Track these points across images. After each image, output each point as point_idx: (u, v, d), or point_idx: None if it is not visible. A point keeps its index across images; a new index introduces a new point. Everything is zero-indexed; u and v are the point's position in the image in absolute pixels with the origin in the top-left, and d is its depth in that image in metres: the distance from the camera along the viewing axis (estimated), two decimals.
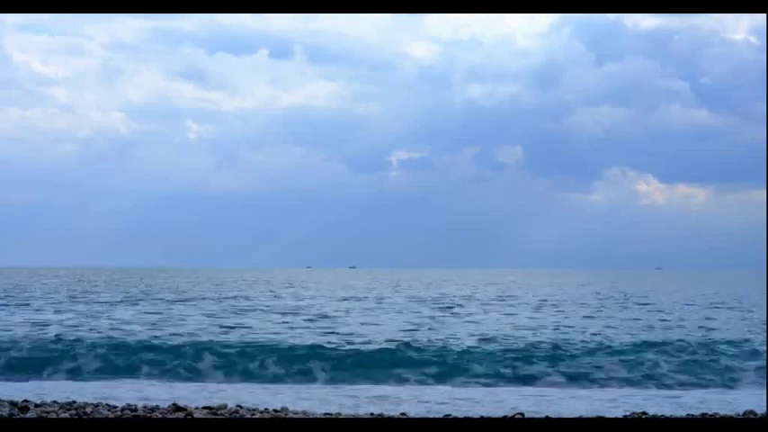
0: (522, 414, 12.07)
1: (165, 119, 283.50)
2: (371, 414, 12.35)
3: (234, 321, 27.55)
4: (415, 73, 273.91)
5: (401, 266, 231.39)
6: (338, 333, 23.85)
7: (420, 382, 17.87)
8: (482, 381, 18.05)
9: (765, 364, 18.83)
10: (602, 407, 14.35)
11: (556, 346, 20.69)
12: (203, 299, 41.90)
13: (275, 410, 12.22)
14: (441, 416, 12.20)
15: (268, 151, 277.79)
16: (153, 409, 11.76)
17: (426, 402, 14.72)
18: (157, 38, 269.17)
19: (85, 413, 11.25)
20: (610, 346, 20.86)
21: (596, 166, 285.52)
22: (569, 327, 26.80)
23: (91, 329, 23.91)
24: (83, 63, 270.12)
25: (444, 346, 20.56)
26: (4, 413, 11.05)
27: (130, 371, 18.50)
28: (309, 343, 20.88)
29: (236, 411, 11.73)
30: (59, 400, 12.49)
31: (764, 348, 20.30)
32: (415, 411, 13.13)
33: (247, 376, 18.38)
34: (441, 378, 18.17)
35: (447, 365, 18.89)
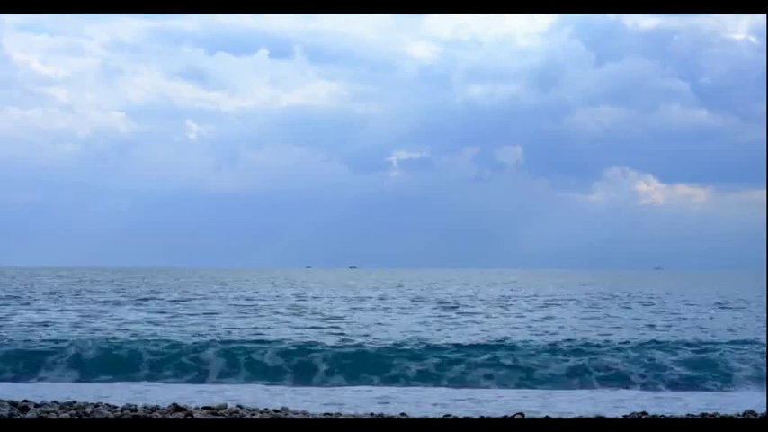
0: (522, 414, 12.07)
1: (165, 119, 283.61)
2: (371, 414, 12.35)
3: (234, 321, 27.56)
4: (415, 73, 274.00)
5: (401, 266, 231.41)
6: (339, 333, 23.85)
7: (420, 382, 17.88)
8: (482, 381, 18.07)
9: (765, 364, 18.83)
10: (603, 407, 14.36)
11: (556, 346, 20.69)
12: (205, 298, 41.92)
13: (275, 410, 12.22)
14: (441, 416, 12.21)
15: (268, 151, 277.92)
16: (153, 409, 11.77)
17: (426, 402, 14.73)
18: (157, 38, 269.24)
19: (85, 413, 11.25)
20: (610, 346, 20.83)
21: (596, 166, 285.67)
22: (570, 326, 26.81)
23: (92, 329, 23.94)
24: (83, 63, 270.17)
25: (445, 346, 20.55)
26: (4, 413, 11.05)
27: (131, 371, 18.51)
28: (310, 343, 20.88)
29: (236, 411, 11.73)
30: (59, 400, 12.50)
31: (765, 348, 20.29)
32: (415, 411, 13.13)
33: (248, 376, 18.38)
34: (441, 378, 18.18)
35: (447, 365, 18.88)
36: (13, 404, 11.63)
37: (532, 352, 19.96)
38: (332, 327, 26.01)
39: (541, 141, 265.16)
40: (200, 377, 18.32)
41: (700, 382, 18.08)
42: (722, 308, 38.78)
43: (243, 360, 19.14)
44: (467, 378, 18.23)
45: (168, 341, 20.61)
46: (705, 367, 18.97)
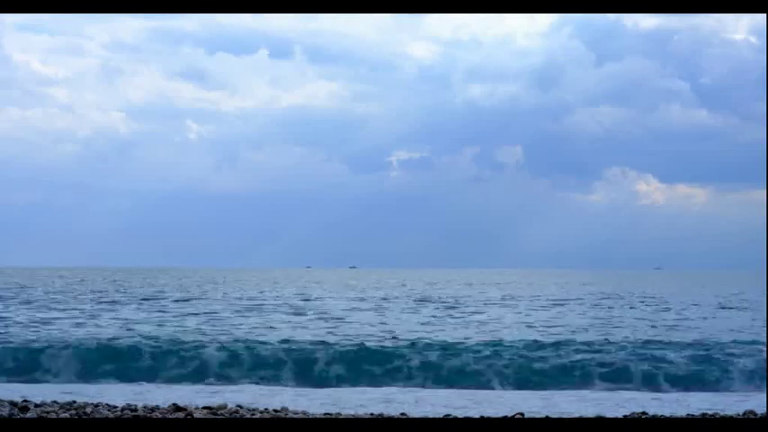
0: (522, 414, 12.07)
1: (165, 119, 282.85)
2: (372, 414, 12.35)
3: (235, 321, 27.57)
4: (415, 73, 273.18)
5: (401, 266, 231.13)
6: (340, 333, 23.85)
7: (421, 382, 17.89)
8: (483, 381, 18.07)
9: (765, 364, 18.81)
10: (603, 407, 14.36)
11: (557, 346, 20.67)
12: (205, 298, 41.94)
13: (275, 410, 12.22)
14: (441, 416, 12.20)
15: (268, 151, 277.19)
16: (153, 409, 11.77)
17: (426, 402, 14.73)
18: (157, 38, 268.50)
19: (85, 413, 11.25)
20: (610, 346, 20.82)
21: (596, 166, 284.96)
22: (571, 326, 26.81)
23: (93, 329, 23.94)
24: (83, 63, 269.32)
25: (445, 346, 20.53)
26: (4, 413, 11.05)
27: (131, 371, 18.50)
28: (310, 343, 20.87)
29: (236, 411, 11.73)
30: (59, 400, 12.48)
31: (765, 348, 20.27)
32: (415, 411, 13.13)
33: (248, 376, 18.38)
34: (442, 378, 18.18)
35: (448, 365, 18.88)
36: (13, 404, 11.63)
37: (533, 352, 19.94)
38: (332, 327, 26.01)
39: (541, 141, 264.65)
40: (201, 377, 18.31)
41: (700, 382, 18.08)
42: (722, 308, 38.78)
43: (243, 360, 19.13)
44: (467, 378, 18.23)
45: (168, 341, 20.61)
46: (705, 367, 18.96)
